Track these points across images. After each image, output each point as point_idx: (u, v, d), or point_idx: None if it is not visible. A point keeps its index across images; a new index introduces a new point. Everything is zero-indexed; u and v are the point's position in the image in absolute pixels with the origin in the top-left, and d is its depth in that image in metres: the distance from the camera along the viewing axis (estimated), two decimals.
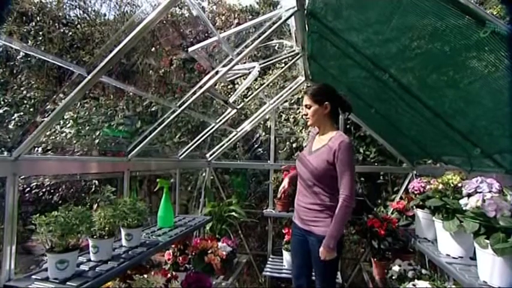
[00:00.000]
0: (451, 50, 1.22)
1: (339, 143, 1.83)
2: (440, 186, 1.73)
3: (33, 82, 5.54)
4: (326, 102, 1.91)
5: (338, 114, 2.02)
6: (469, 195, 1.36)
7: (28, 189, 4.40)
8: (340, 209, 1.79)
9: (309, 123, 2.00)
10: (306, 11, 1.83)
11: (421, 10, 1.12)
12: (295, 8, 1.82)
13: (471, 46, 1.08)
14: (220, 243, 2.88)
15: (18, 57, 5.52)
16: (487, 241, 1.20)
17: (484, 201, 1.25)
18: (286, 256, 3.19)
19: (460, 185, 1.61)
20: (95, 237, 1.53)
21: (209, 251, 2.67)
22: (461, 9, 0.90)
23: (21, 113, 4.89)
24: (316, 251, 1.86)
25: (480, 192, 1.31)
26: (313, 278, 2.03)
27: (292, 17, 1.94)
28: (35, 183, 4.32)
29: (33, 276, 1.34)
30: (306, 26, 2.05)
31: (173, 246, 2.63)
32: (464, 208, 1.36)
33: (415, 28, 1.29)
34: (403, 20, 1.29)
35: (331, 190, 1.89)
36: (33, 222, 1.30)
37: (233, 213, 3.38)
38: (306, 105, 1.97)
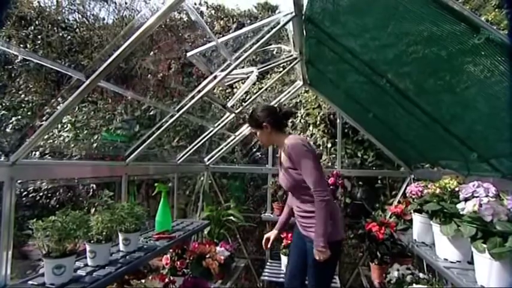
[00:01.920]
0: (447, 56, 1.23)
1: (287, 147, 1.88)
2: (438, 191, 1.74)
3: (31, 86, 5.53)
4: (264, 123, 1.97)
5: (283, 124, 2.05)
6: (466, 200, 1.36)
7: (25, 193, 4.38)
8: (317, 205, 1.80)
9: (264, 146, 2.10)
10: (303, 17, 1.85)
11: (417, 16, 1.13)
12: (293, 14, 1.83)
13: (467, 52, 1.09)
14: (218, 248, 2.88)
15: (16, 61, 5.51)
16: (484, 245, 1.20)
17: (480, 205, 1.26)
18: (284, 261, 3.18)
19: (457, 189, 1.62)
20: (92, 242, 1.53)
21: (207, 256, 2.66)
22: (456, 16, 0.91)
23: (19, 117, 4.87)
24: (312, 255, 1.87)
25: (477, 197, 1.31)
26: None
27: (290, 22, 1.96)
28: (32, 187, 4.30)
29: (30, 282, 1.33)
30: (304, 31, 2.07)
31: (171, 250, 2.62)
32: (461, 212, 1.36)
33: (412, 34, 1.31)
34: (400, 26, 1.31)
35: (311, 195, 1.88)
36: (30, 227, 1.29)
37: (231, 218, 3.37)
38: (253, 133, 2.10)
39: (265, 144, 2.12)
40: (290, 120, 1.97)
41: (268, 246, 2.21)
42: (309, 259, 1.92)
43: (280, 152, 2.06)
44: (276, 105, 2.08)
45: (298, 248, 2.07)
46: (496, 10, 3.92)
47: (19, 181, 1.51)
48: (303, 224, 1.97)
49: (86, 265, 1.53)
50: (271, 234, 2.23)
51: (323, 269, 1.90)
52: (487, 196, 1.29)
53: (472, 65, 1.16)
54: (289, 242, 3.12)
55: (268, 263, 3.49)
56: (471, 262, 1.39)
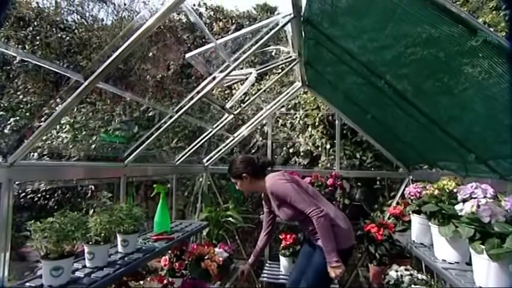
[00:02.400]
0: (445, 57, 1.24)
1: (269, 189, 2.04)
2: (436, 192, 1.74)
3: (29, 86, 5.52)
4: (243, 174, 2.09)
5: (261, 171, 2.14)
6: (464, 201, 1.36)
7: (23, 194, 4.37)
8: (316, 224, 1.87)
9: (245, 194, 2.21)
10: (302, 18, 1.85)
11: (414, 18, 1.14)
12: (292, 15, 1.84)
13: (464, 53, 1.10)
14: (217, 249, 2.87)
15: (15, 62, 5.50)
16: (482, 246, 1.20)
17: (478, 206, 1.26)
18: (283, 262, 3.18)
19: (455, 190, 1.62)
20: (90, 243, 1.52)
21: (206, 257, 2.66)
22: (453, 18, 0.92)
23: (17, 118, 4.86)
24: (316, 257, 1.93)
25: (475, 198, 1.31)
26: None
27: (289, 24, 1.96)
28: (30, 188, 4.29)
29: (27, 284, 1.32)
30: (303, 32, 2.07)
31: (169, 252, 2.61)
32: (459, 213, 1.36)
33: (410, 35, 1.31)
34: (398, 28, 1.31)
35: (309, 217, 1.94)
36: (28, 228, 1.29)
37: (230, 219, 3.36)
38: (234, 183, 2.20)
39: (246, 192, 2.26)
40: (264, 166, 2.24)
41: (244, 279, 2.38)
42: (313, 261, 1.95)
43: (265, 195, 2.20)
44: (254, 156, 2.22)
45: (306, 255, 2.13)
46: (494, 12, 3.94)
47: (17, 182, 1.50)
48: (317, 237, 2.00)
49: (84, 266, 1.52)
50: (245, 268, 2.34)
51: (322, 274, 1.90)
52: (485, 197, 1.29)
53: (469, 66, 1.16)
54: (288, 243, 3.12)
55: (267, 264, 3.49)
56: (469, 263, 1.39)
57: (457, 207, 1.38)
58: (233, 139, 3.85)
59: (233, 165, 2.16)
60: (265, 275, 3.22)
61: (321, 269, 1.89)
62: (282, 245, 3.22)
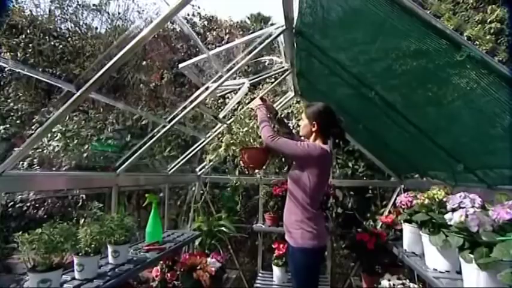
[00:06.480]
0: (434, 70, 1.27)
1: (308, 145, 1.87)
2: (427, 201, 1.77)
3: (20, 94, 5.46)
4: (314, 122, 1.89)
5: (328, 135, 1.96)
6: (453, 210, 1.39)
7: (11, 203, 4.27)
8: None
9: (300, 133, 2.04)
10: (294, 30, 1.88)
11: (403, 32, 1.17)
12: (284, 27, 1.87)
13: (451, 66, 1.14)
14: (209, 259, 2.84)
15: (6, 69, 5.45)
16: (471, 255, 1.22)
17: (467, 216, 1.28)
18: (276, 271, 3.15)
19: (445, 199, 1.65)
20: (80, 254, 1.50)
21: (198, 267, 2.63)
22: (438, 34, 0.95)
23: (7, 126, 4.79)
24: (292, 262, 1.89)
25: (463, 208, 1.34)
26: None
27: (282, 35, 2.00)
28: (19, 197, 4.20)
29: None
30: (295, 43, 2.10)
31: (161, 262, 2.58)
32: (449, 223, 1.38)
33: (399, 48, 1.35)
34: (387, 41, 1.35)
35: (303, 202, 1.84)
36: (15, 240, 1.27)
37: (223, 228, 3.34)
38: (302, 117, 2.01)
39: (301, 132, 2.01)
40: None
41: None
42: (290, 266, 1.93)
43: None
44: (341, 119, 1.97)
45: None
46: (479, 26, 4.10)
47: (5, 193, 1.48)
48: (285, 225, 1.91)
49: (74, 278, 1.49)
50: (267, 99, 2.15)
51: (304, 277, 1.86)
52: (473, 207, 1.32)
53: (457, 78, 1.20)
54: (281, 253, 3.11)
55: (260, 274, 3.45)
56: (460, 272, 1.41)
57: (447, 216, 1.40)
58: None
59: (318, 105, 1.92)
60: (258, 285, 3.19)
61: (300, 275, 1.86)
62: (274, 255, 3.20)
